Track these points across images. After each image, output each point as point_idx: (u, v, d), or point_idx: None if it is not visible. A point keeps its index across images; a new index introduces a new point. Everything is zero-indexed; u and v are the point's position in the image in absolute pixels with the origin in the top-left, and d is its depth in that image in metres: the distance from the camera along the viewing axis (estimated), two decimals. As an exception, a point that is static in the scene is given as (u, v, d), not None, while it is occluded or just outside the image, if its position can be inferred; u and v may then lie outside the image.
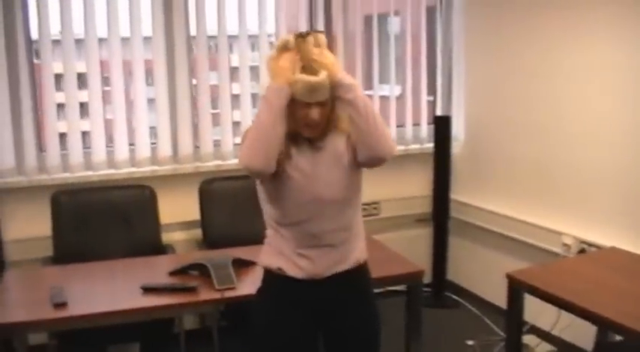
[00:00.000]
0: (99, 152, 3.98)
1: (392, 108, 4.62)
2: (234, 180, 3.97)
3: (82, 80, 3.86)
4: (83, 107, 3.87)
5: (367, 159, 2.20)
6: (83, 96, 3.86)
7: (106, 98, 3.90)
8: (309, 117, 2.17)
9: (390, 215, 4.72)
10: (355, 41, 4.48)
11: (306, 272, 2.29)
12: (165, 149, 4.11)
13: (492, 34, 4.35)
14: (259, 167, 2.09)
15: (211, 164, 4.17)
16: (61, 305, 2.67)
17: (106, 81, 3.90)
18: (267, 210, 2.33)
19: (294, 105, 2.16)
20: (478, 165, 4.61)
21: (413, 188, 4.80)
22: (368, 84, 4.62)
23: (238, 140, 3.77)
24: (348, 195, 2.30)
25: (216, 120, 4.19)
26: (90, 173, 3.96)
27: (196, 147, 4.17)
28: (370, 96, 4.38)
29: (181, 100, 4.10)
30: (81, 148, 3.94)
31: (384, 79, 4.67)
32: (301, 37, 2.15)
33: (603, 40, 3.50)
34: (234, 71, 4.14)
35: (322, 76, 2.11)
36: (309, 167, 2.25)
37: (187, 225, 4.07)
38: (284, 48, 2.16)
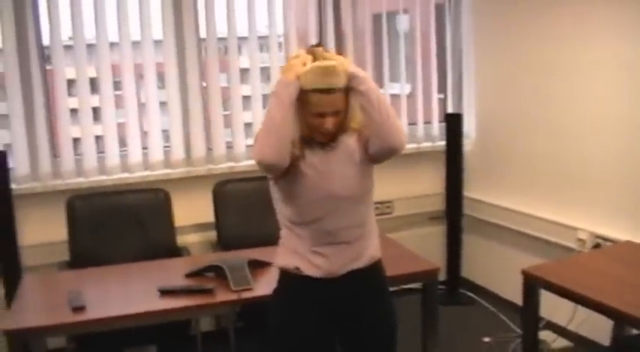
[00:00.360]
0: (112, 156, 3.99)
1: (403, 106, 4.61)
2: (247, 181, 3.98)
3: (94, 85, 3.87)
4: (96, 112, 3.89)
5: (379, 150, 2.23)
6: (95, 100, 3.87)
7: (119, 102, 3.91)
8: (324, 127, 2.21)
9: (403, 213, 4.71)
10: (365, 39, 4.46)
11: (323, 270, 2.30)
12: (178, 152, 4.11)
13: (502, 30, 4.34)
14: (272, 160, 2.12)
15: (224, 166, 4.17)
16: (79, 308, 2.68)
17: (117, 85, 3.92)
18: (281, 210, 2.35)
19: (309, 114, 2.20)
20: (490, 162, 4.59)
21: (425, 186, 4.79)
22: (378, 82, 4.51)
23: (250, 141, 3.99)
24: (361, 191, 2.32)
25: (227, 122, 4.21)
26: (104, 177, 3.97)
27: (209, 150, 4.18)
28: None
29: (193, 103, 4.11)
30: (95, 153, 3.95)
31: (394, 77, 4.66)
32: (312, 46, 2.24)
33: (616, 36, 3.48)
34: (244, 73, 4.16)
35: (335, 61, 2.17)
36: (322, 165, 2.28)
37: (202, 227, 4.08)
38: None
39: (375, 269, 2.42)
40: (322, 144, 2.29)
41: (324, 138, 2.26)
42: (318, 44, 2.27)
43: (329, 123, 2.20)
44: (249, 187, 3.93)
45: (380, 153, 2.26)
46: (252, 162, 3.77)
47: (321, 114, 2.19)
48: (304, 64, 2.18)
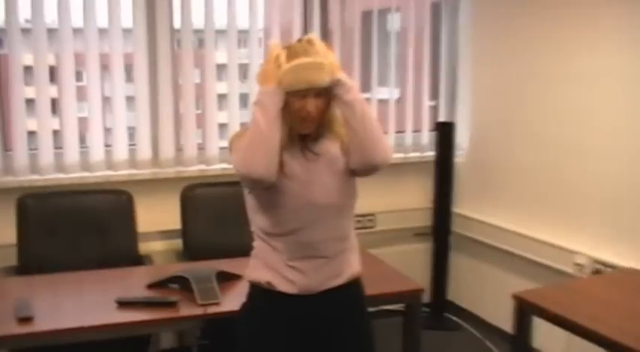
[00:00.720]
0: (71, 153, 3.95)
1: (391, 112, 4.63)
2: (219, 186, 3.98)
3: (53, 74, 3.84)
4: (54, 103, 3.85)
5: (360, 165, 2.27)
6: (54, 91, 3.84)
7: (80, 94, 3.89)
8: (305, 110, 2.21)
9: (387, 228, 4.72)
10: (353, 39, 4.47)
11: (298, 286, 2.30)
12: (144, 151, 4.10)
13: (501, 34, 4.35)
14: (260, 175, 2.13)
15: (194, 169, 4.18)
16: (26, 319, 2.64)
17: (79, 75, 3.92)
18: (256, 220, 2.36)
19: (289, 101, 2.20)
20: (483, 175, 4.61)
21: (412, 199, 4.79)
22: (365, 86, 4.59)
23: (224, 143, 4.00)
24: (344, 201, 2.35)
25: (200, 121, 4.19)
26: (61, 175, 3.93)
27: (179, 151, 4.18)
28: (367, 100, 4.40)
29: (163, 99, 4.09)
30: (52, 148, 3.91)
31: (382, 81, 4.66)
32: (296, 42, 2.25)
33: (622, 45, 3.49)
34: (221, 69, 4.16)
35: (317, 58, 2.16)
36: (303, 172, 2.29)
37: (167, 235, 4.08)
38: (276, 66, 2.21)
39: (354, 287, 2.42)
40: (304, 149, 2.30)
41: (307, 127, 2.26)
42: (300, 40, 2.26)
43: (311, 105, 2.21)
44: (220, 192, 3.93)
45: (360, 169, 2.29)
46: (224, 165, 4.10)
47: (302, 96, 2.20)
48: (279, 66, 2.18)
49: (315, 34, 2.36)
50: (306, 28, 4.32)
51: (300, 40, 2.25)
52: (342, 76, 2.22)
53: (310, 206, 2.29)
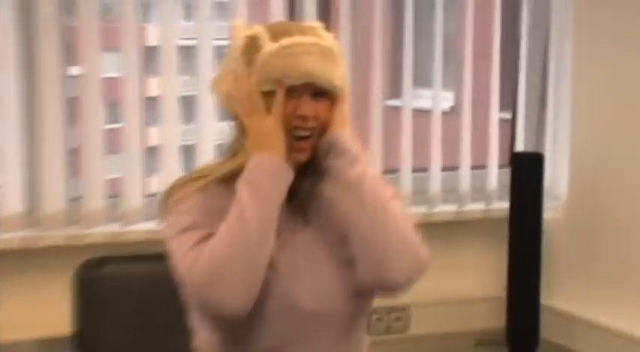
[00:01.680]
0: None
1: (435, 133, 4.41)
2: (140, 261, 3.33)
3: None
4: None
5: (370, 285, 2.19)
6: None
7: None
8: (299, 113, 2.13)
9: (427, 332, 4.48)
10: (373, 13, 4.33)
11: None
12: (12, 203, 3.89)
13: (622, 10, 4.24)
14: (234, 309, 2.06)
15: (100, 231, 3.97)
16: None
17: None
18: (202, 334, 2.27)
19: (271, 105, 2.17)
20: (592, 244, 4.45)
21: (470, 283, 4.60)
22: (393, 88, 4.62)
23: (155, 187, 4.14)
24: (353, 305, 2.24)
25: (112, 143, 4.04)
26: None
27: (72, 201, 3.94)
28: (396, 109, 4.33)
29: (47, 105, 3.86)
30: None
31: (422, 80, 4.54)
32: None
33: None
34: (150, 53, 4.08)
35: (321, 40, 2.15)
36: (286, 253, 2.21)
37: (50, 346, 3.81)
38: (253, 49, 2.15)
39: None
40: (293, 210, 2.20)
41: (301, 151, 2.17)
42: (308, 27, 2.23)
43: (307, 106, 2.12)
44: (143, 272, 3.25)
45: (369, 288, 2.21)
46: (151, 224, 3.76)
47: (293, 93, 2.13)
48: (257, 50, 2.10)
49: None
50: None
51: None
52: (345, 134, 2.16)
53: (291, 311, 2.19)
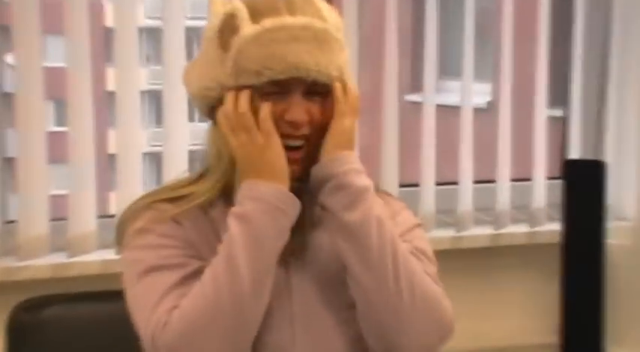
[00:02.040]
0: None
1: (465, 135, 4.03)
2: (90, 301, 3.35)
3: None
4: None
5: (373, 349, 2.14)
6: None
7: None
8: (290, 116, 2.02)
9: None
10: None
11: None
12: None
13: None
14: None
15: (41, 263, 3.68)
16: None
17: None
18: None
19: (253, 106, 2.03)
20: None
21: (511, 327, 4.20)
22: (414, 79, 4.52)
23: (113, 207, 4.02)
24: None
25: (58, 149, 3.78)
26: None
27: (7, 223, 3.69)
28: (417, 106, 4.03)
29: None
30: None
31: (449, 69, 4.59)
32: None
33: None
34: (106, 36, 3.94)
35: (315, 20, 2.05)
36: (274, 298, 2.10)
37: None
38: (228, 30, 2.05)
39: None
40: (286, 249, 2.06)
41: (291, 165, 2.04)
42: None
43: (298, 108, 2.01)
44: (93, 315, 3.26)
45: None
46: (107, 254, 3.71)
47: (280, 90, 2.02)
48: (233, 31, 2.02)
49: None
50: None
51: None
52: (340, 159, 2.04)
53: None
